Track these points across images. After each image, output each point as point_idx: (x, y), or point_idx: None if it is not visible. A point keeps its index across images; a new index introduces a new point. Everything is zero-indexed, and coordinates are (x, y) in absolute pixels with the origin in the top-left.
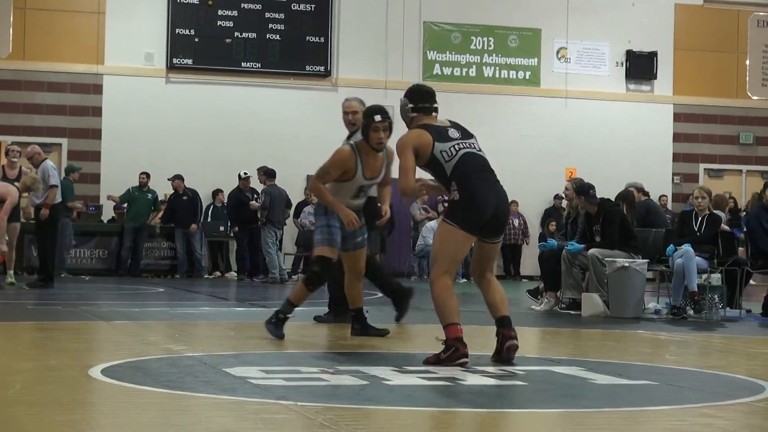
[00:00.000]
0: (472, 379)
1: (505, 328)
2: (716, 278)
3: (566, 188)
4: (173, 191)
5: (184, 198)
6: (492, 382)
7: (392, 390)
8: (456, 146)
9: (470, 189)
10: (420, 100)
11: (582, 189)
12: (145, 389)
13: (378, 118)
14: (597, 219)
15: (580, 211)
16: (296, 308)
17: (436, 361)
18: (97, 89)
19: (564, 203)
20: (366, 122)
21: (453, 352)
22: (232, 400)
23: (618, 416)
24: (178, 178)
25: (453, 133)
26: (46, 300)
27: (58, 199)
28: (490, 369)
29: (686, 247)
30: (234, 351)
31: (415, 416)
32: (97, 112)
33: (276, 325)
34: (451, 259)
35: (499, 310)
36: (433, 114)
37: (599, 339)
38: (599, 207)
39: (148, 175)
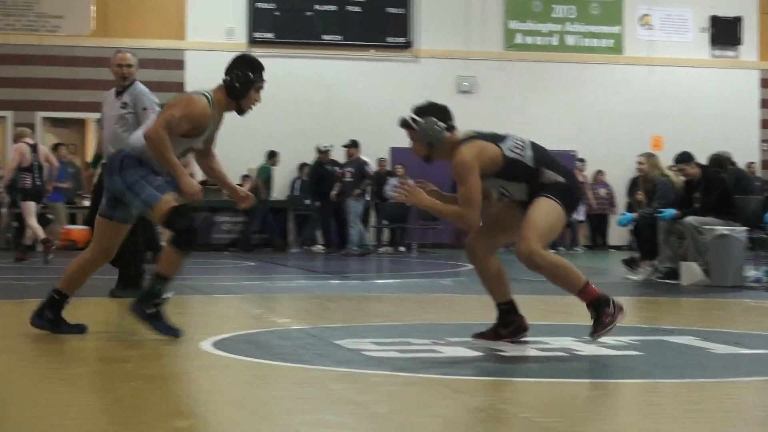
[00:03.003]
0: (587, 349)
1: (520, 315)
2: None
3: (640, 162)
4: (317, 162)
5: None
6: (608, 352)
7: (509, 360)
8: (516, 137)
9: (568, 172)
10: (448, 117)
11: (685, 157)
12: (262, 362)
13: (264, 77)
14: (698, 186)
15: (656, 182)
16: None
17: (610, 320)
18: (179, 65)
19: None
20: (248, 78)
21: (614, 308)
22: (351, 372)
23: (749, 386)
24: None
25: (496, 132)
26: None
27: None
28: (603, 339)
29: None
30: (340, 324)
31: (539, 388)
32: (179, 87)
33: (157, 317)
34: (549, 235)
35: (509, 292)
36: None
37: (705, 308)
38: (701, 174)
39: None
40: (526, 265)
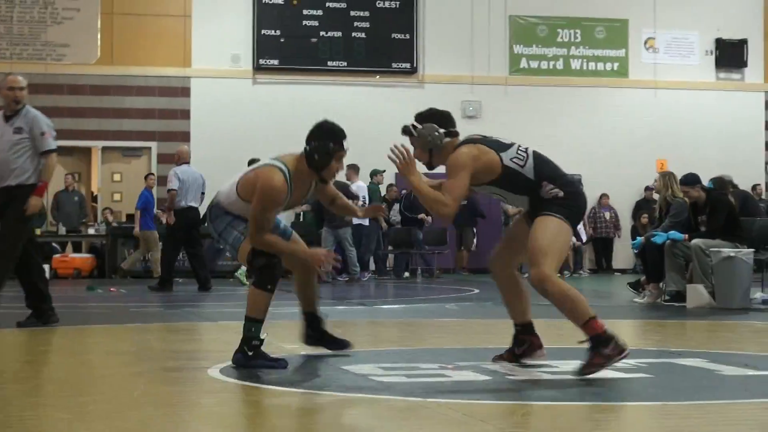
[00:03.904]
0: (600, 373)
1: (534, 335)
2: None
3: (655, 180)
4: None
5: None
6: (618, 375)
7: (518, 384)
8: (520, 148)
9: (571, 185)
10: (449, 123)
11: (690, 179)
12: (271, 388)
13: (347, 145)
14: (704, 209)
15: (671, 202)
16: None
17: (602, 361)
18: (185, 92)
19: (655, 195)
20: (329, 148)
21: (616, 345)
22: (362, 398)
23: (760, 407)
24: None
25: (502, 139)
26: (145, 302)
27: (182, 204)
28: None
29: None
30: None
31: (549, 412)
32: (185, 114)
33: (258, 356)
34: (560, 256)
35: (527, 313)
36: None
37: (712, 330)
38: (707, 196)
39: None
40: (538, 291)
